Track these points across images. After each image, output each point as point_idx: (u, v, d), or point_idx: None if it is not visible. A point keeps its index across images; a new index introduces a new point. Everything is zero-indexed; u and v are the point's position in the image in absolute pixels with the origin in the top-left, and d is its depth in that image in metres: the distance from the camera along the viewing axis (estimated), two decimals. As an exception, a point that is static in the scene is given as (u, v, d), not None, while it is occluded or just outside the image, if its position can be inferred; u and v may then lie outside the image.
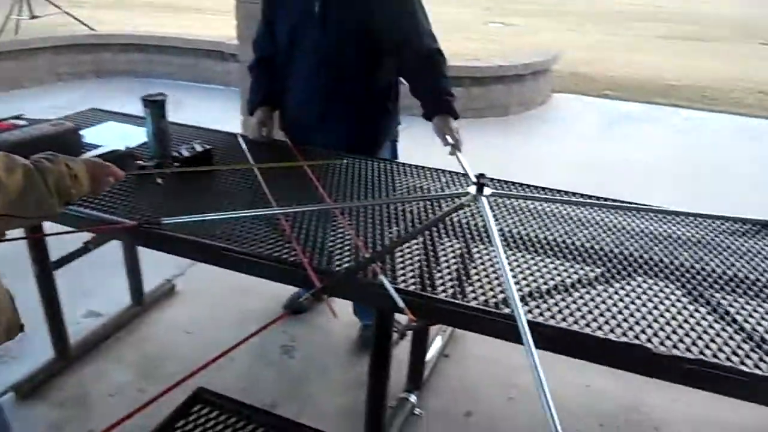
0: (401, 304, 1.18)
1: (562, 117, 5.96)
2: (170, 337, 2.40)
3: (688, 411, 2.08)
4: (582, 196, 1.79)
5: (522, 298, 1.26)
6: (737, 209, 1.72)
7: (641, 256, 1.47)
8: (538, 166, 4.50)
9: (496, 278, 1.33)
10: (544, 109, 6.17)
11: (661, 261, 1.45)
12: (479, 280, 1.33)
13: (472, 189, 1.58)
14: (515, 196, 1.73)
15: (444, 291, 1.29)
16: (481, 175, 1.50)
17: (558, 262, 1.42)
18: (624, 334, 1.18)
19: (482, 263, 1.40)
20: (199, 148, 1.89)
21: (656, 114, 6.13)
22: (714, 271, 1.42)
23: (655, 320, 1.22)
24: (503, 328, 1.20)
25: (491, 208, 1.64)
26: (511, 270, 1.36)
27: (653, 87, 7.21)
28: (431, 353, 2.26)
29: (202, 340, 2.37)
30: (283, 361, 2.31)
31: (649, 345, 1.14)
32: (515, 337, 1.13)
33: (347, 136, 2.07)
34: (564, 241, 1.52)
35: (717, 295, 1.32)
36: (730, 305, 1.29)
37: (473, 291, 1.29)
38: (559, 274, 1.37)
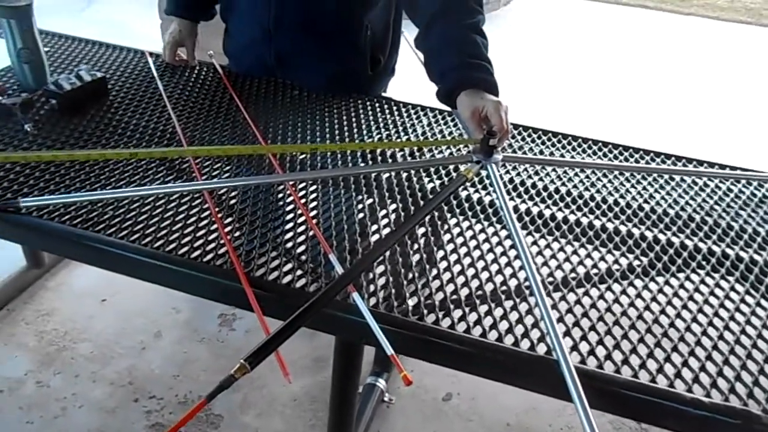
0: (390, 350, 0.77)
1: (529, 18, 5.44)
2: (80, 308, 1.93)
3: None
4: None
5: (565, 333, 0.86)
6: None
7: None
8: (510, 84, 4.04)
9: (520, 292, 0.93)
10: (508, 10, 5.62)
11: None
12: (487, 297, 0.93)
13: (476, 153, 1.11)
14: (535, 161, 1.27)
15: (430, 314, 0.88)
16: (490, 132, 1.03)
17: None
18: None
19: (494, 258, 0.99)
20: (87, 77, 1.35)
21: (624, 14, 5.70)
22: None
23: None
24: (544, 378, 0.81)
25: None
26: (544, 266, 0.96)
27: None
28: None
29: (122, 311, 1.93)
30: (222, 334, 1.90)
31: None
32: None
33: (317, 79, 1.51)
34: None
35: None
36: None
37: (475, 317, 0.88)
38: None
